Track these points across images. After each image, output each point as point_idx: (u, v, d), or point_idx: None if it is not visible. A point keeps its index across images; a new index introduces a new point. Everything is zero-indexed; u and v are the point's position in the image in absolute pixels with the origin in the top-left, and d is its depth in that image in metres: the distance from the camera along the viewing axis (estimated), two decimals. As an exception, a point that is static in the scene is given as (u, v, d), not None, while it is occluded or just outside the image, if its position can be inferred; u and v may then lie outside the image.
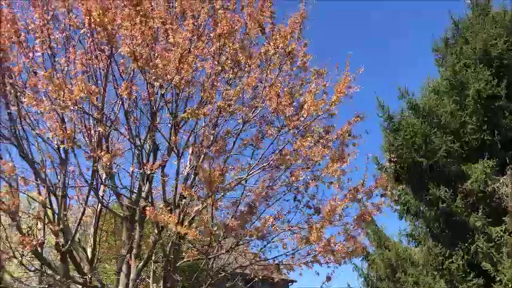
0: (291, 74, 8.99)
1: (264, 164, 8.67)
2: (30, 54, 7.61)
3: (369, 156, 9.40)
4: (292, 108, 8.56)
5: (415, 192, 13.77)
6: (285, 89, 8.69)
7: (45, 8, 8.33)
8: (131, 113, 8.83)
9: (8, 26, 7.20)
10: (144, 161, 8.93)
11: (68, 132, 7.30)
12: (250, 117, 8.58)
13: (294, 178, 8.67)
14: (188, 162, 9.39)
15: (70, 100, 6.69)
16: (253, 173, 8.80)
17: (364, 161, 9.29)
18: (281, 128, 8.75)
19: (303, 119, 8.61)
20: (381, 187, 9.09)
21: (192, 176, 9.07)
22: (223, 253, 9.53)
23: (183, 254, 9.66)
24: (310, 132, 8.74)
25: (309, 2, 8.64)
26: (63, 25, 8.19)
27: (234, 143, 8.97)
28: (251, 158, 9.05)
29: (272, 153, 8.67)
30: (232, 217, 8.54)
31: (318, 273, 9.22)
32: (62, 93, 6.63)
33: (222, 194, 8.42)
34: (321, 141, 8.46)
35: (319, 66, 8.99)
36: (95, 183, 8.92)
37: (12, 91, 7.69)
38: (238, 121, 8.66)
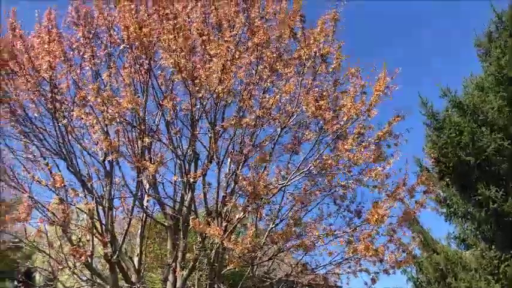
0: (326, 76, 8.88)
1: (304, 170, 8.59)
2: (78, 71, 7.94)
3: (409, 157, 9.14)
4: (331, 112, 8.47)
5: (462, 193, 13.20)
6: (323, 93, 8.61)
7: (87, 27, 8.76)
8: (172, 124, 9.06)
9: (55, 45, 7.55)
10: (186, 171, 9.10)
11: (113, 144, 7.53)
12: (288, 123, 8.53)
13: (329, 179, 8.56)
14: (228, 170, 9.47)
15: (117, 112, 6.90)
16: (293, 179, 8.75)
17: (404, 161, 9.03)
18: (320, 133, 8.65)
19: (342, 122, 8.49)
20: (423, 184, 8.82)
21: (233, 184, 9.14)
22: (266, 260, 9.52)
23: (227, 262, 9.72)
24: (351, 135, 8.60)
25: (339, 4, 8.56)
26: (104, 42, 8.56)
27: (273, 149, 8.96)
28: (288, 163, 9.01)
29: (315, 159, 8.53)
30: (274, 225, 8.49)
31: (366, 283, 9.01)
32: (110, 105, 6.85)
33: (264, 202, 8.40)
34: (363, 144, 8.26)
35: (353, 66, 8.81)
36: (139, 193, 9.20)
37: (61, 107, 8.05)
38: (277, 128, 8.62)
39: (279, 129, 8.69)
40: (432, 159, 12.98)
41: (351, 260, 8.90)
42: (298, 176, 8.67)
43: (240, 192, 9.08)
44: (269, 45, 8.12)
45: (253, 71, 8.37)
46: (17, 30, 8.30)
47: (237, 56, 7.82)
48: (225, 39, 7.79)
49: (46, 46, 7.34)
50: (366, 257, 8.37)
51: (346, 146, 8.30)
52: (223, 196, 9.03)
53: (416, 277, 14.06)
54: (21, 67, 7.64)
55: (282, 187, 8.64)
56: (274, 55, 8.35)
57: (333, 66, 8.59)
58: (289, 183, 8.69)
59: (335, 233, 8.63)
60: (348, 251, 8.51)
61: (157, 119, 9.25)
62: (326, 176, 8.77)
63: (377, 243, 8.40)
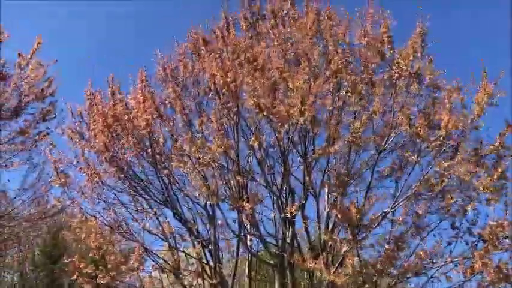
0: (421, 94, 8.38)
1: (409, 194, 8.05)
2: (171, 124, 8.43)
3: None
4: (428, 129, 7.94)
5: None
6: (418, 111, 8.13)
7: (175, 81, 9.35)
8: (264, 161, 9.15)
9: (150, 104, 8.11)
10: (283, 206, 9.07)
11: (212, 188, 7.76)
12: (384, 146, 8.13)
13: (446, 203, 7.87)
14: (326, 201, 9.23)
15: (211, 157, 7.15)
16: (397, 204, 8.23)
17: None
18: (421, 152, 8.11)
19: (442, 138, 7.88)
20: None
21: (333, 215, 8.86)
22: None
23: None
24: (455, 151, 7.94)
25: (425, 19, 8.15)
26: (192, 93, 9.06)
27: (372, 176, 8.56)
28: (394, 189, 8.50)
29: (419, 181, 7.98)
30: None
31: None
32: (203, 152, 7.14)
33: (366, 232, 7.98)
34: (472, 159, 7.55)
35: (449, 82, 8.23)
36: (242, 233, 9.32)
37: (161, 159, 8.55)
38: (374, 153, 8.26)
39: (376, 154, 8.30)
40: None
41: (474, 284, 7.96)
42: (403, 200, 8.15)
43: (341, 224, 8.78)
44: (347, 70, 7.90)
45: (336, 97, 8.20)
46: (117, 95, 9.12)
47: (316, 86, 7.74)
48: (304, 71, 7.77)
49: (142, 105, 7.92)
50: (490, 281, 7.45)
51: (448, 163, 7.67)
52: (325, 228, 8.81)
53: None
54: (123, 128, 8.30)
55: (385, 215, 8.16)
56: (355, 78, 8.12)
57: (426, 83, 8.08)
58: (394, 209, 8.19)
59: (454, 260, 7.83)
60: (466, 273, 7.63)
61: (249, 159, 9.45)
62: (434, 198, 8.11)
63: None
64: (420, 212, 7.73)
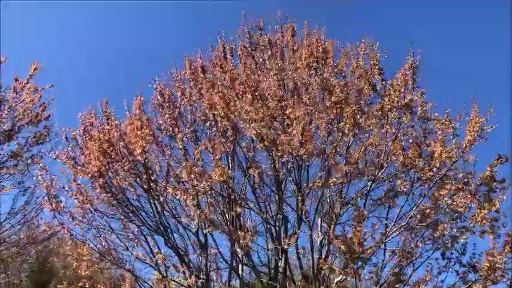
0: (413, 125, 8.55)
1: (403, 223, 8.10)
2: (168, 152, 8.43)
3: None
4: (421, 159, 8.07)
5: None
6: (411, 141, 8.28)
7: (172, 108, 9.41)
8: (259, 189, 9.15)
9: (146, 130, 8.13)
10: (276, 235, 9.03)
11: (208, 216, 7.72)
12: (379, 176, 8.23)
13: (438, 233, 7.92)
14: (319, 231, 9.22)
15: (209, 185, 7.16)
16: (391, 234, 8.26)
17: (515, 203, 8.13)
18: (414, 182, 8.21)
19: (435, 169, 8.02)
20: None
21: (326, 245, 8.85)
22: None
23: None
24: (448, 181, 8.05)
25: (416, 53, 8.42)
26: (189, 120, 9.12)
27: (365, 204, 8.62)
28: (386, 219, 8.54)
29: (409, 210, 8.07)
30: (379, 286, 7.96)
31: None
32: (202, 180, 7.13)
33: (363, 262, 7.95)
34: (463, 189, 7.67)
35: (441, 114, 8.44)
36: (234, 263, 9.21)
37: (156, 186, 8.51)
38: (368, 182, 8.33)
39: (369, 183, 8.37)
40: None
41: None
42: (397, 230, 8.19)
43: (336, 254, 8.75)
44: (348, 101, 8.07)
45: (335, 128, 8.32)
46: (112, 120, 9.14)
47: (316, 117, 7.88)
48: (303, 101, 7.92)
49: (139, 132, 7.94)
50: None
51: (442, 193, 7.78)
52: (318, 258, 8.76)
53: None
54: (118, 153, 8.28)
55: (380, 244, 8.16)
56: (354, 108, 8.29)
57: (418, 115, 8.26)
58: (388, 239, 8.21)
59: (448, 291, 7.84)
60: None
61: (243, 187, 9.43)
62: (428, 228, 8.17)
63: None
64: (419, 244, 7.75)
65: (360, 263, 7.85)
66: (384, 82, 8.49)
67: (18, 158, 9.68)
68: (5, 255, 10.39)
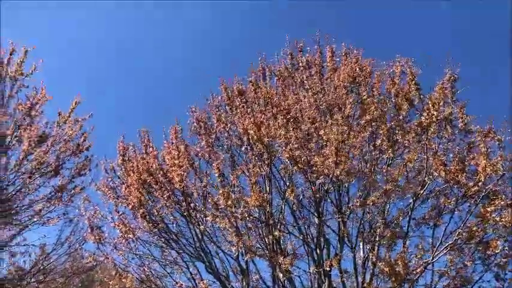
0: (454, 139, 8.29)
1: (450, 242, 7.76)
2: (205, 179, 8.51)
3: None
4: (465, 174, 7.77)
5: None
6: (452, 156, 8.01)
7: (209, 134, 9.54)
8: (297, 212, 9.05)
9: (183, 159, 8.26)
10: (318, 258, 8.85)
11: (248, 243, 7.68)
12: (421, 193, 7.97)
13: (491, 251, 7.53)
14: (362, 252, 8.98)
15: (246, 211, 7.14)
16: (438, 254, 7.92)
17: None
18: (459, 199, 7.89)
19: (481, 184, 7.69)
20: None
21: (370, 267, 8.59)
22: None
23: None
24: (495, 196, 7.70)
25: (455, 66, 8.24)
26: (226, 145, 9.21)
27: (409, 223, 8.34)
28: (432, 238, 8.22)
29: (456, 228, 7.74)
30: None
31: None
32: (239, 206, 7.13)
33: (410, 284, 7.65)
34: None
35: (483, 125, 8.14)
36: (276, 288, 9.06)
37: (195, 213, 8.57)
38: (410, 200, 8.08)
39: (411, 201, 8.12)
40: None
41: None
42: (443, 250, 7.85)
43: (381, 276, 8.47)
44: (383, 119, 7.94)
45: (371, 147, 8.18)
46: (150, 149, 9.36)
47: (351, 136, 7.78)
48: (337, 122, 7.85)
49: (176, 161, 8.06)
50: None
51: (489, 208, 7.44)
52: (362, 281, 8.51)
53: None
54: (157, 182, 8.43)
55: (427, 265, 7.84)
56: (389, 125, 8.16)
57: (459, 128, 8.02)
58: (435, 260, 7.88)
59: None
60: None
61: (282, 210, 9.35)
62: (477, 246, 7.79)
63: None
64: (468, 264, 7.39)
65: (406, 286, 7.57)
66: (421, 97, 8.34)
67: (63, 191, 10.03)
68: (52, 286, 10.68)
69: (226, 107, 10.15)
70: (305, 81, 9.73)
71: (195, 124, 9.96)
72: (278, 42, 10.84)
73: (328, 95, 8.25)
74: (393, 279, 7.08)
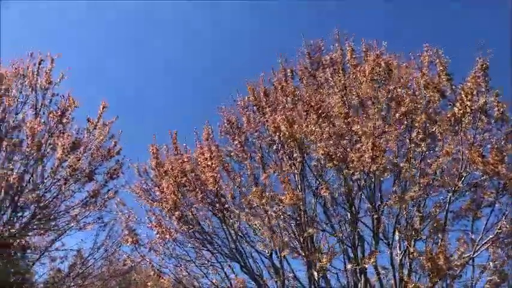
0: (490, 129, 8.08)
1: (491, 236, 7.57)
2: (238, 179, 8.54)
3: None
4: (504, 165, 7.56)
5: None
6: (489, 147, 7.81)
7: (239, 134, 9.59)
8: (331, 209, 8.98)
9: (216, 160, 8.30)
10: (353, 255, 8.75)
11: (284, 240, 7.66)
12: (459, 186, 7.79)
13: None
14: (398, 248, 8.83)
15: (280, 210, 7.11)
16: (479, 248, 7.72)
17: None
18: (499, 190, 7.69)
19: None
20: None
21: (408, 263, 8.43)
22: None
23: None
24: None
25: (485, 53, 8.03)
26: (256, 145, 9.23)
27: (446, 217, 8.16)
28: (472, 232, 8.02)
29: (497, 221, 7.54)
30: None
31: None
32: (273, 204, 7.11)
33: (452, 279, 7.49)
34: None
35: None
36: (312, 287, 8.99)
37: (229, 214, 8.61)
38: (448, 194, 7.91)
39: (449, 195, 7.95)
40: None
41: None
42: (485, 244, 7.65)
43: (418, 272, 8.32)
44: (417, 111, 7.80)
45: (407, 140, 8.04)
46: (181, 152, 9.46)
47: (386, 130, 7.67)
48: (370, 116, 7.75)
49: (209, 163, 8.13)
50: None
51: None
52: (400, 278, 8.36)
53: None
54: (191, 183, 8.50)
55: (469, 259, 7.66)
56: (424, 117, 8.00)
57: (495, 117, 7.82)
58: (476, 254, 7.68)
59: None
60: None
61: (315, 208, 9.30)
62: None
63: None
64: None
65: (448, 281, 7.41)
66: (453, 87, 8.16)
67: (98, 195, 10.23)
68: (89, 289, 10.92)
69: (254, 107, 10.18)
70: (329, 79, 9.66)
71: (225, 125, 10.00)
72: (290, 43, 10.82)
73: (357, 89, 8.15)
74: (434, 273, 6.92)
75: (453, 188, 7.88)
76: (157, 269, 8.91)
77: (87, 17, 27.68)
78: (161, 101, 31.47)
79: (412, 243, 8.35)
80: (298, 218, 8.34)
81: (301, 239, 8.80)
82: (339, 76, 8.63)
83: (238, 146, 8.95)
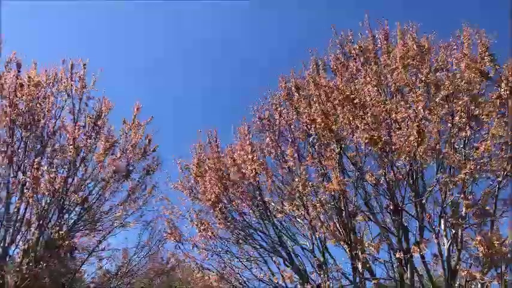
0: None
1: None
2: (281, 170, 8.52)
3: None
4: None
5: None
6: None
7: (273, 130, 9.57)
8: (373, 199, 8.84)
9: (256, 154, 8.31)
10: (398, 245, 8.58)
11: (331, 228, 7.61)
12: (509, 170, 7.49)
13: None
14: (444, 237, 8.59)
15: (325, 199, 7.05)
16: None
17: None
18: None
19: None
20: None
21: (457, 251, 8.19)
22: None
23: None
24: None
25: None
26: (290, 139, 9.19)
27: (495, 205, 7.87)
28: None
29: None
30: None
31: None
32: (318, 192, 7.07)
33: (505, 265, 7.22)
34: None
35: None
36: (357, 279, 8.87)
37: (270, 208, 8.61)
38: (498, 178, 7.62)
39: (499, 180, 7.66)
40: None
41: None
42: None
43: (468, 260, 8.08)
44: (458, 94, 7.55)
45: (449, 124, 7.79)
46: (222, 149, 9.59)
47: (427, 115, 7.46)
48: (407, 102, 7.56)
49: (250, 156, 8.14)
50: None
51: None
52: (448, 267, 8.13)
53: None
54: (231, 178, 8.55)
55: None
56: (466, 99, 7.73)
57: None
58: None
59: None
60: None
61: (355, 198, 9.17)
62: None
63: None
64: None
65: (503, 267, 7.14)
66: (497, 67, 7.85)
67: (136, 191, 10.48)
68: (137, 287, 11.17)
69: (286, 102, 10.12)
70: (360, 68, 9.46)
71: (257, 122, 10.00)
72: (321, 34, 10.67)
73: (392, 76, 7.96)
74: (488, 260, 6.69)
75: (502, 173, 7.59)
76: (202, 266, 9.00)
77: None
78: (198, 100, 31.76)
79: (460, 231, 8.11)
80: (342, 208, 8.24)
81: (345, 229, 8.69)
82: (371, 65, 8.44)
83: (271, 141, 8.93)
